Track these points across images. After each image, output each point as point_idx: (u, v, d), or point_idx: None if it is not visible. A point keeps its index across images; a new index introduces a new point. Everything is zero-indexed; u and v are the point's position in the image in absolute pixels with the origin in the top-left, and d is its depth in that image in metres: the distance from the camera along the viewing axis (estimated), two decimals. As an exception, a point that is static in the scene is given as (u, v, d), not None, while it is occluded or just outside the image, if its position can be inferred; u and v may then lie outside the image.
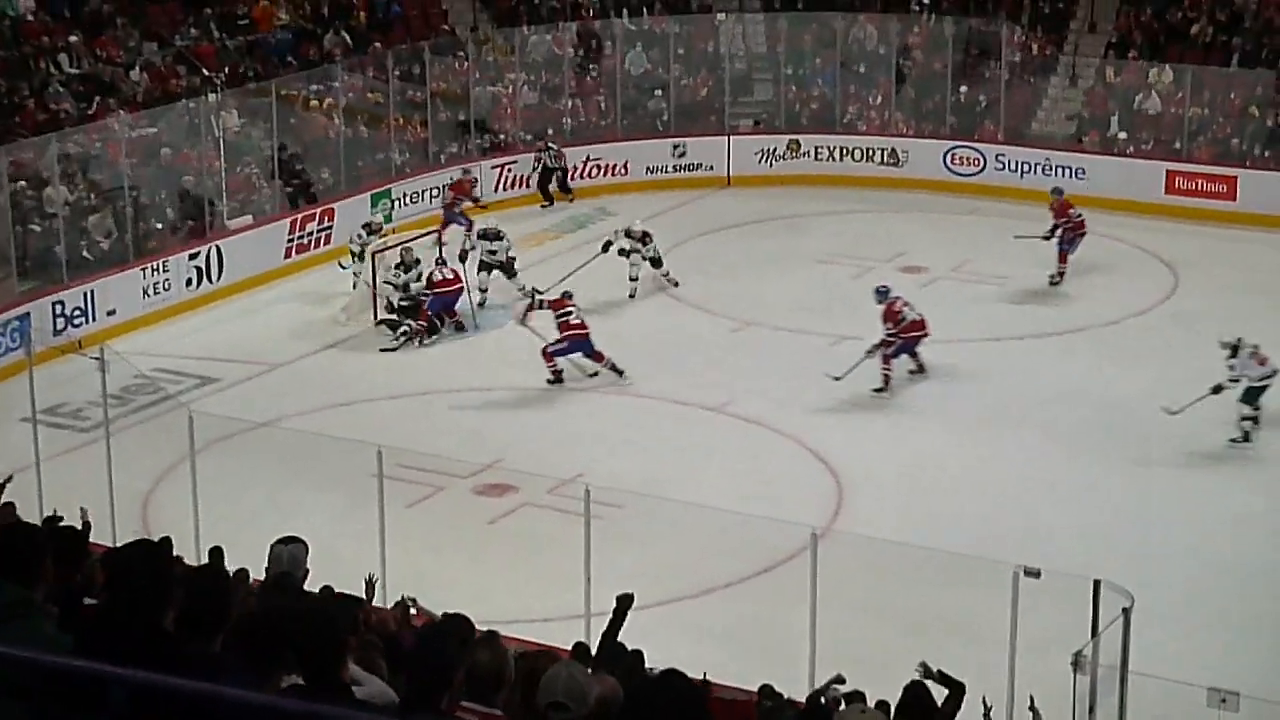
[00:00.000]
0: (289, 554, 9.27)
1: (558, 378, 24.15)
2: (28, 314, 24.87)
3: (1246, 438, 21.91)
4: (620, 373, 24.14)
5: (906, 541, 17.20)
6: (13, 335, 24.26)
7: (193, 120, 29.57)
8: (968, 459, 21.48)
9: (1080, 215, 27.55)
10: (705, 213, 31.44)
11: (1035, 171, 32.66)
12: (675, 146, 33.95)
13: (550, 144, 32.62)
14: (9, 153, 26.95)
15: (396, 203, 30.47)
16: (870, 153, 33.97)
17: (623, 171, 33.34)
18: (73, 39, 30.49)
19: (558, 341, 24.24)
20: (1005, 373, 23.99)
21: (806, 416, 22.74)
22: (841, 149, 34.09)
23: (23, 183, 27.04)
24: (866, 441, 22.00)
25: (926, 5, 35.58)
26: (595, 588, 15.38)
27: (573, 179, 32.93)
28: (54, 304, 25.58)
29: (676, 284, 27.62)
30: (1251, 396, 21.95)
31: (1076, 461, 21.39)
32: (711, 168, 33.81)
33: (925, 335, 23.87)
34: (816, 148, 34.13)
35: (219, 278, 28.02)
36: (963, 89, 34.44)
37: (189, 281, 27.56)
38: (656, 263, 27.53)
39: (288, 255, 29.28)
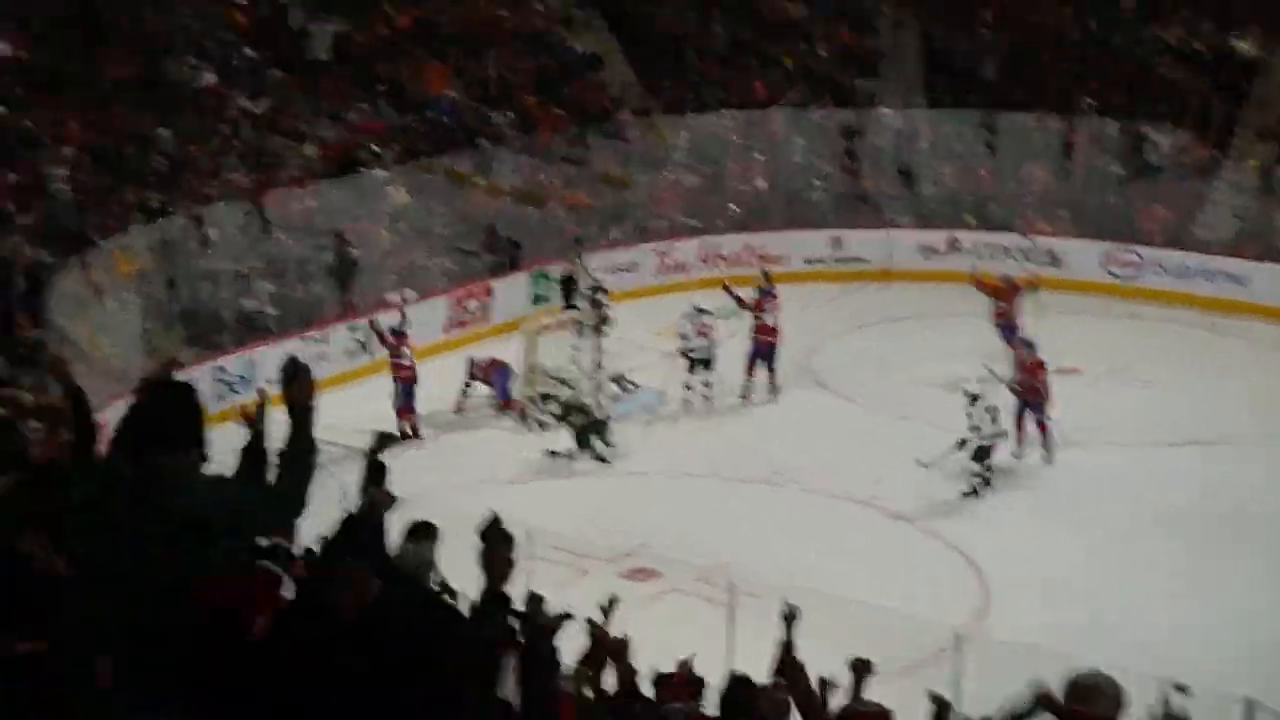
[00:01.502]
0: (414, 552, 8.66)
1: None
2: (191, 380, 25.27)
3: (975, 492, 23.15)
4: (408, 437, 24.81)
5: (1051, 648, 17.05)
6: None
7: (361, 194, 30.09)
8: (1117, 565, 21.25)
9: (774, 324, 27.15)
10: (861, 306, 31.46)
11: (1195, 276, 32.41)
12: (833, 239, 34.01)
13: (579, 253, 31.34)
14: (184, 219, 27.59)
15: (552, 283, 30.70)
16: (1029, 252, 33.82)
17: (781, 261, 33.39)
18: (248, 110, 31.20)
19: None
20: (1157, 478, 23.73)
21: (955, 515, 22.68)
22: (1000, 247, 33.98)
23: (210, 249, 27.65)
24: (1015, 542, 21.83)
25: (1092, 105, 35.45)
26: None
27: (733, 266, 33.06)
28: (215, 370, 26.08)
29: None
30: (979, 455, 23.01)
31: (1226, 574, 21.11)
32: (870, 261, 33.85)
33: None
34: (975, 245, 34.07)
35: (379, 350, 28.39)
36: (1122, 190, 34.26)
37: (349, 353, 27.96)
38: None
39: (446, 330, 29.64)
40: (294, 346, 27.23)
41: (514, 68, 35.35)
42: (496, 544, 7.40)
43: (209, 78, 31.45)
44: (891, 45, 37.90)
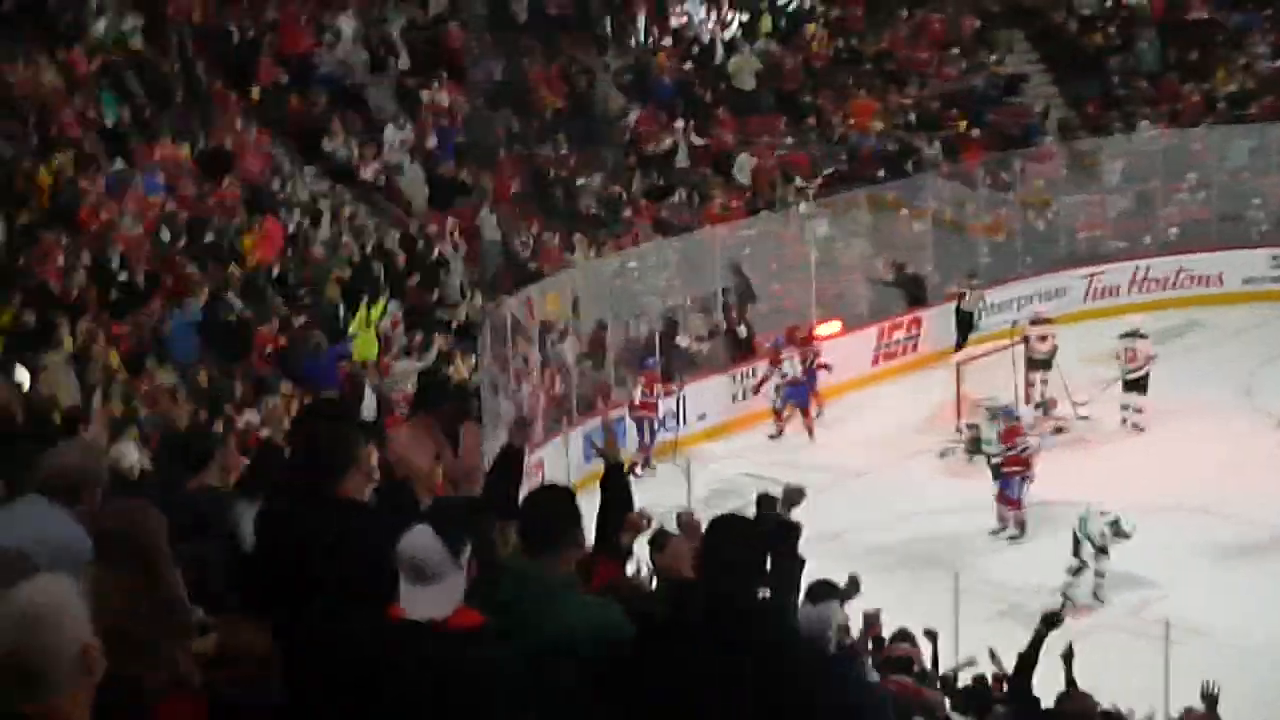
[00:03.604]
0: (815, 616, 8.26)
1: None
2: (623, 417, 25.79)
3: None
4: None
5: None
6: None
7: (785, 227, 30.34)
8: None
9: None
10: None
11: None
12: (1274, 256, 32.80)
13: (974, 286, 30.44)
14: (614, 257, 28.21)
15: (980, 312, 30.34)
16: None
17: (1217, 282, 32.43)
18: (676, 134, 31.91)
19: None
20: None
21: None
22: None
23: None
24: None
25: None
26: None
27: (1166, 288, 32.29)
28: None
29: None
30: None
31: None
32: (1313, 280, 32.56)
33: None
34: None
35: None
36: None
37: (777, 387, 28.12)
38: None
39: (875, 362, 29.63)
40: (723, 381, 27.62)
41: (937, 94, 35.19)
42: None
43: (635, 114, 32.16)
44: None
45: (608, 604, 5.72)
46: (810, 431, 26.93)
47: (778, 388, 27.07)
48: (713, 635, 5.44)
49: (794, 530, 9.53)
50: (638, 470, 24.77)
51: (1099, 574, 20.95)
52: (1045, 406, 26.59)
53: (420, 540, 5.02)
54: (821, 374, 27.50)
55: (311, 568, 5.38)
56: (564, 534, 5.70)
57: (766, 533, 5.79)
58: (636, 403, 26.00)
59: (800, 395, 27.01)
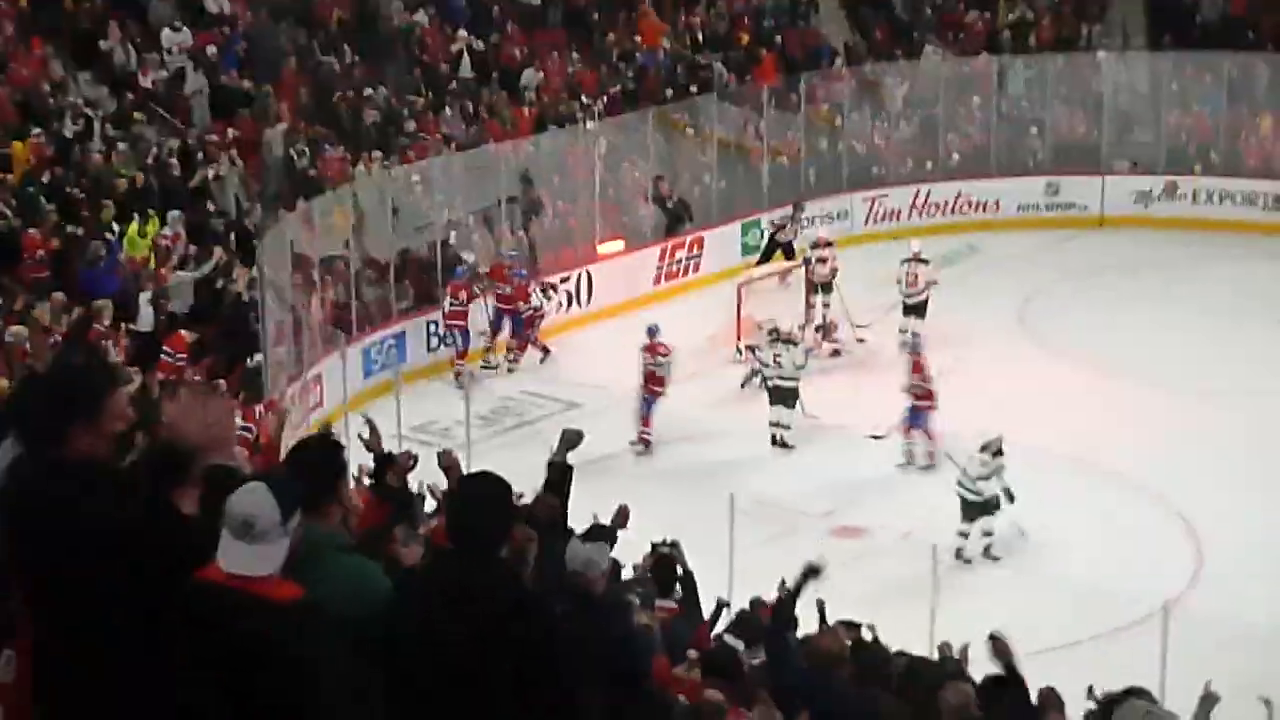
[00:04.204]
0: (584, 554, 8.29)
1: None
2: (403, 333, 25.67)
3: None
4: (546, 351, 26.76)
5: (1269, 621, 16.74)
6: (389, 353, 25.09)
7: (571, 144, 30.23)
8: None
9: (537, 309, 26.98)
10: (1075, 255, 30.89)
11: None
12: (1049, 185, 33.43)
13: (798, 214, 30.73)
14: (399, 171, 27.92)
15: (765, 233, 30.54)
16: (1253, 197, 32.93)
17: (994, 208, 32.97)
18: (463, 48, 31.73)
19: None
20: None
21: (1173, 476, 21.93)
22: (1222, 193, 33.08)
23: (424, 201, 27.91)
24: (1238, 507, 21.04)
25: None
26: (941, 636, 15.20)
27: (946, 213, 32.79)
28: (429, 323, 26.38)
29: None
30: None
31: None
32: (1085, 208, 33.21)
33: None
34: (1195, 190, 33.20)
35: (589, 302, 28.56)
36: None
37: (559, 305, 28.09)
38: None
39: (657, 281, 29.69)
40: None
41: (725, 16, 35.21)
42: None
43: (423, 21, 31.84)
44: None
45: (366, 563, 5.61)
46: (544, 350, 27.07)
47: (515, 317, 26.97)
48: (462, 594, 5.38)
49: (565, 472, 9.65)
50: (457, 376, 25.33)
51: (987, 533, 20.49)
52: (825, 329, 26.90)
53: (254, 496, 4.92)
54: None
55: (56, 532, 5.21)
56: (328, 488, 5.58)
57: (508, 487, 5.68)
58: (446, 312, 26.02)
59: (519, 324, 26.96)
